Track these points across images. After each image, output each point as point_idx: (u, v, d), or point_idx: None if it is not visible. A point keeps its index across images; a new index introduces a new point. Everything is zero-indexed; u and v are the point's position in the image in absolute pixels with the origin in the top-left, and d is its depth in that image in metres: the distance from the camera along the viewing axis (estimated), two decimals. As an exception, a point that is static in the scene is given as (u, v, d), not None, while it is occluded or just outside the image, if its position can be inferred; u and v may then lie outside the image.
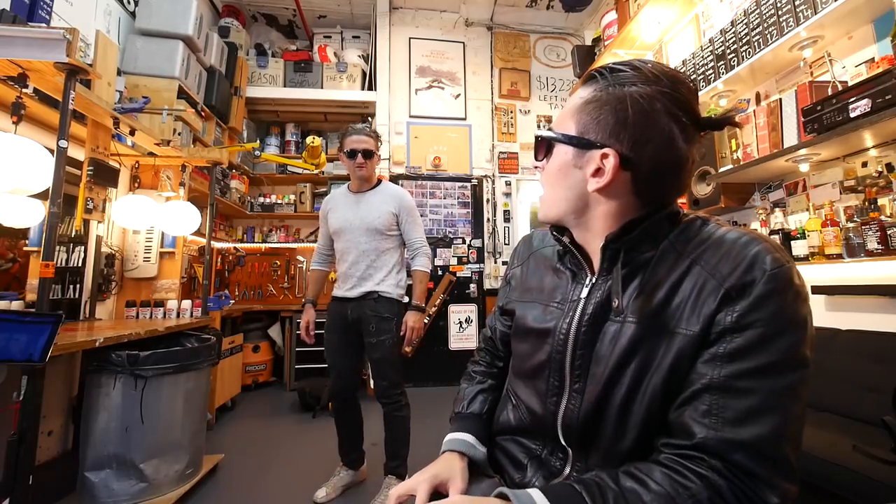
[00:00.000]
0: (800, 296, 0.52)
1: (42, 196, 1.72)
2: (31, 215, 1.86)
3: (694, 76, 2.72)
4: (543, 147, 0.67)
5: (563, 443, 0.65)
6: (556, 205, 0.66)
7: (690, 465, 0.50)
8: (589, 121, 0.60)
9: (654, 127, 0.56)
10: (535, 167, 0.70)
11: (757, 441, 0.48)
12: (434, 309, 4.20)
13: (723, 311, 0.52)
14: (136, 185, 2.61)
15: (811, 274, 2.21)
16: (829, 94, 1.82)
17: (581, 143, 0.60)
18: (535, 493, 0.52)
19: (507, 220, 4.47)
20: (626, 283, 0.60)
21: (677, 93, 0.57)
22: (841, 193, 2.07)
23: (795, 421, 0.50)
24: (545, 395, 0.66)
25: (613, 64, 0.61)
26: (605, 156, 0.58)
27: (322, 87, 4.32)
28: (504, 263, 4.37)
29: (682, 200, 2.97)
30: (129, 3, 2.99)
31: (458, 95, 4.62)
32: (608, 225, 0.62)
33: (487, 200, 4.46)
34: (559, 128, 0.64)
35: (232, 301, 3.61)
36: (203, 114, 3.35)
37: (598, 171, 0.59)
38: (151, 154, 2.58)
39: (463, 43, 4.71)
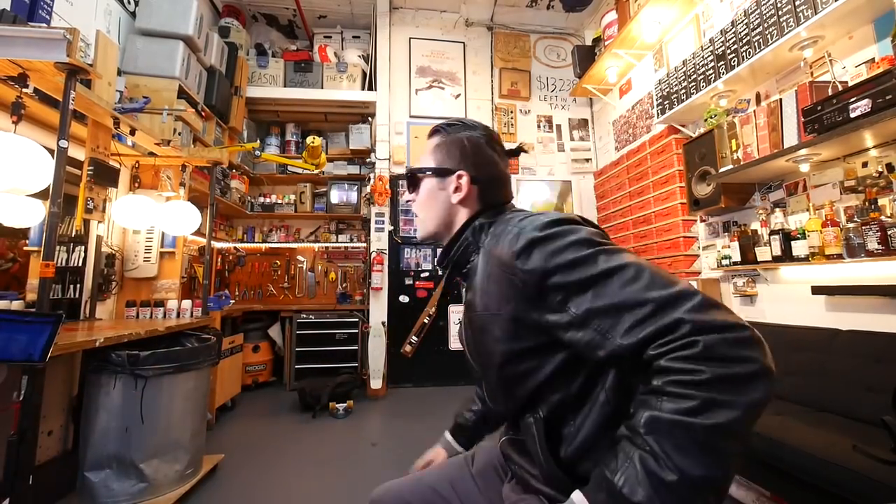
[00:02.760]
0: (546, 238, 0.64)
1: (42, 196, 1.72)
2: (31, 215, 1.86)
3: (694, 76, 2.72)
4: (413, 184, 0.88)
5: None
6: (431, 221, 0.85)
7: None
8: (442, 157, 0.84)
9: (484, 155, 0.83)
10: (408, 201, 0.90)
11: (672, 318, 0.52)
12: (434, 309, 4.20)
13: (517, 286, 0.66)
14: (137, 185, 2.61)
15: (811, 274, 2.21)
16: (830, 94, 1.82)
17: (442, 172, 0.83)
18: (576, 494, 0.57)
19: (507, 220, 4.47)
20: (471, 286, 0.77)
21: (490, 133, 0.86)
22: (841, 193, 2.06)
23: (645, 274, 0.56)
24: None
25: (445, 122, 0.88)
26: (460, 176, 0.82)
27: (322, 87, 4.33)
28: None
29: (681, 201, 2.97)
30: (129, 3, 2.99)
31: (459, 95, 4.62)
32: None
33: (487, 200, 4.46)
34: (422, 167, 0.86)
35: (232, 301, 3.61)
36: (203, 114, 3.35)
37: (457, 189, 0.82)
38: (152, 154, 2.58)
39: (463, 43, 4.71)
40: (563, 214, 0.68)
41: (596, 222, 0.74)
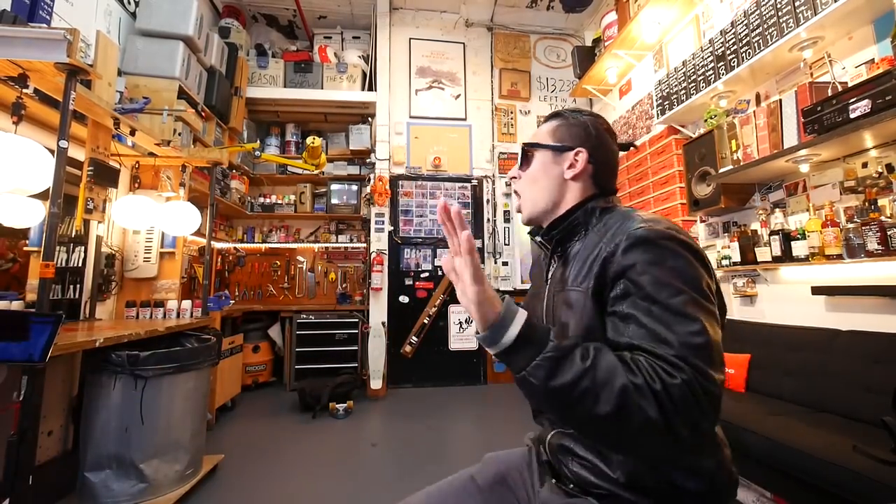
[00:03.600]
0: (657, 244, 0.67)
1: (42, 196, 1.72)
2: (31, 215, 1.86)
3: (694, 77, 2.73)
4: (525, 159, 0.88)
5: None
6: (541, 198, 0.85)
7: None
8: (564, 135, 0.85)
9: (603, 139, 0.85)
10: (513, 178, 0.90)
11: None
12: (434, 309, 4.20)
13: (607, 268, 0.69)
14: (137, 185, 2.61)
15: (811, 274, 2.21)
16: (830, 94, 1.82)
17: (562, 148, 0.84)
18: (521, 312, 0.63)
19: (506, 220, 4.47)
20: (567, 263, 0.81)
21: (608, 125, 0.88)
22: (841, 194, 2.06)
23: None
24: None
25: (567, 108, 0.90)
26: (578, 153, 0.83)
27: (322, 88, 4.33)
28: (504, 264, 4.37)
29: (681, 201, 2.97)
30: (129, 3, 2.99)
31: (459, 96, 4.62)
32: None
33: (487, 201, 4.47)
34: (539, 141, 0.88)
35: (232, 301, 3.61)
36: (203, 114, 3.35)
37: (571, 165, 0.83)
38: (152, 154, 2.58)
39: (463, 43, 4.71)
40: (683, 234, 0.70)
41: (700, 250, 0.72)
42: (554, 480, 0.80)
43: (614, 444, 0.63)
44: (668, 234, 0.68)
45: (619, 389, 0.56)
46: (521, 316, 0.62)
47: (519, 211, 0.90)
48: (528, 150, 0.87)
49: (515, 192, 0.90)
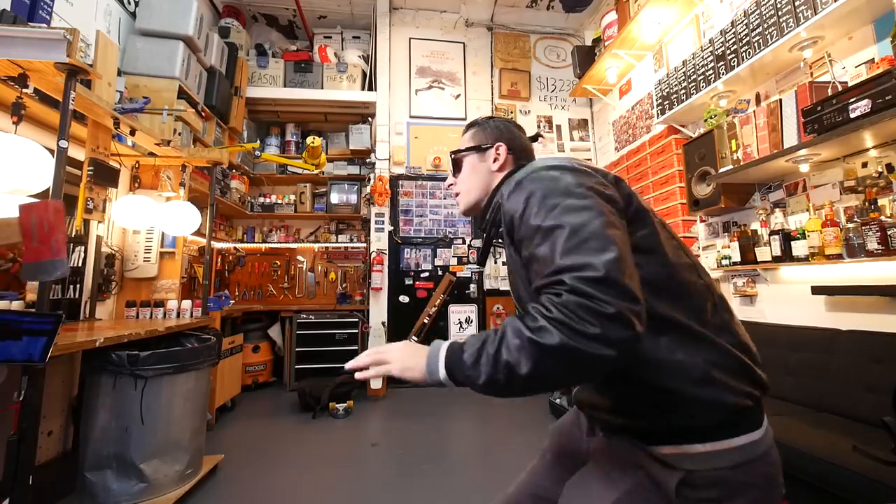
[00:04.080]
0: (527, 180, 0.73)
1: (42, 196, 1.72)
2: (31, 215, 1.86)
3: (694, 76, 2.73)
4: (456, 166, 0.99)
5: None
6: (474, 192, 0.95)
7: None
8: (481, 138, 0.97)
9: (515, 133, 0.97)
10: (450, 185, 1.01)
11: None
12: (434, 309, 4.20)
13: (511, 226, 0.74)
14: (137, 185, 2.62)
15: (811, 274, 2.21)
16: (830, 94, 1.82)
17: (483, 148, 0.96)
18: (441, 350, 0.69)
19: (507, 220, 4.47)
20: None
21: (516, 123, 1.01)
22: (841, 194, 2.06)
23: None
24: None
25: (479, 118, 1.01)
26: (498, 147, 0.94)
27: (322, 88, 4.33)
28: (504, 264, 4.37)
29: (681, 201, 2.98)
30: (129, 3, 2.99)
31: (459, 96, 4.62)
32: None
33: (487, 201, 4.47)
34: (463, 147, 0.99)
35: (232, 301, 3.61)
36: (203, 114, 3.35)
37: (496, 159, 0.94)
38: (152, 154, 2.58)
39: (463, 43, 4.71)
40: (557, 160, 0.77)
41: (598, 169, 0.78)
42: (593, 429, 0.88)
43: (561, 383, 0.66)
44: (538, 166, 0.76)
45: (526, 344, 0.59)
46: (442, 353, 0.68)
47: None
48: (457, 157, 0.98)
49: (455, 195, 1.00)
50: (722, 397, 0.67)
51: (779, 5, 2.10)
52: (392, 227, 4.26)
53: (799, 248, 2.09)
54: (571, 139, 4.72)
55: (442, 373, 0.67)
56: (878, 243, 1.75)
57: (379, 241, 4.15)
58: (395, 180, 4.33)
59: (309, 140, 3.49)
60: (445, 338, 4.31)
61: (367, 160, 4.53)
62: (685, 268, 0.74)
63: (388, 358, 0.73)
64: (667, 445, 0.69)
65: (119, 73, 2.69)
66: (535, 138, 1.02)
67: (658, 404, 0.69)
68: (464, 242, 4.36)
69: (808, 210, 2.18)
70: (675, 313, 0.69)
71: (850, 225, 1.90)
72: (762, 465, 0.69)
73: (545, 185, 0.70)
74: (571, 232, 0.62)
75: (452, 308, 4.26)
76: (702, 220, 3.00)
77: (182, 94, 2.97)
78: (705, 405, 0.67)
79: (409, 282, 4.26)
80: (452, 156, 0.99)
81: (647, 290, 0.63)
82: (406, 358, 0.72)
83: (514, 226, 0.73)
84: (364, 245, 4.51)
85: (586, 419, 0.91)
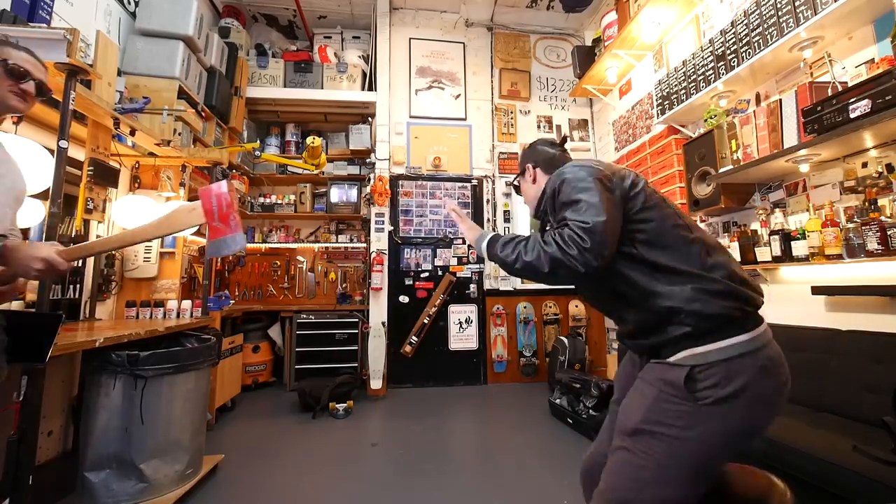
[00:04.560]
0: (558, 180, 1.05)
1: (42, 196, 1.72)
2: (31, 215, 1.86)
3: (694, 76, 2.73)
4: (517, 189, 1.37)
5: None
6: (529, 200, 1.31)
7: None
8: (520, 164, 1.34)
9: (539, 149, 1.31)
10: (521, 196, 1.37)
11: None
12: (434, 309, 4.21)
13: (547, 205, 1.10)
14: (137, 185, 2.62)
15: (811, 274, 2.21)
16: (830, 94, 1.82)
17: (522, 172, 1.33)
18: (489, 232, 1.16)
19: (507, 220, 4.47)
20: None
21: (545, 140, 1.35)
22: (841, 194, 2.07)
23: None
24: None
25: (522, 149, 1.43)
26: (527, 168, 1.30)
27: (322, 88, 4.33)
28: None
29: (681, 201, 2.98)
30: (129, 3, 3.00)
31: (459, 96, 4.62)
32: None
33: (487, 201, 4.47)
34: (515, 177, 1.38)
35: (232, 301, 3.61)
36: (203, 114, 3.35)
37: (532, 176, 1.29)
38: (152, 154, 2.58)
39: (463, 43, 4.71)
40: (579, 162, 1.08)
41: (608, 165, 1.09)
42: (640, 357, 1.10)
43: (543, 275, 0.97)
44: (569, 166, 1.07)
45: (536, 247, 0.98)
46: (487, 234, 1.15)
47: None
48: (515, 183, 1.39)
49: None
50: (707, 310, 0.91)
51: (779, 5, 2.10)
52: (392, 227, 4.26)
53: (799, 248, 2.09)
54: (571, 139, 4.72)
55: (483, 246, 1.12)
56: (878, 243, 1.75)
57: (379, 241, 4.15)
58: (395, 180, 4.33)
59: (309, 140, 3.49)
60: (445, 338, 4.30)
61: (367, 160, 4.53)
62: (681, 227, 1.00)
63: (463, 223, 1.27)
64: (674, 355, 0.93)
65: (119, 73, 2.69)
66: (563, 141, 1.33)
67: (662, 322, 0.94)
68: (463, 242, 4.36)
69: (808, 210, 2.18)
70: (668, 261, 0.96)
71: (850, 225, 1.90)
72: (752, 358, 0.91)
73: (571, 177, 1.02)
74: (581, 203, 0.96)
75: (452, 308, 4.26)
76: (702, 220, 3.00)
77: (182, 94, 2.97)
78: (695, 317, 0.91)
79: (409, 282, 4.26)
80: (514, 182, 1.40)
81: (647, 245, 0.97)
82: (471, 228, 1.24)
83: (553, 200, 1.05)
84: (364, 245, 4.51)
85: (634, 353, 1.15)
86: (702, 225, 3.02)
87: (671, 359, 0.93)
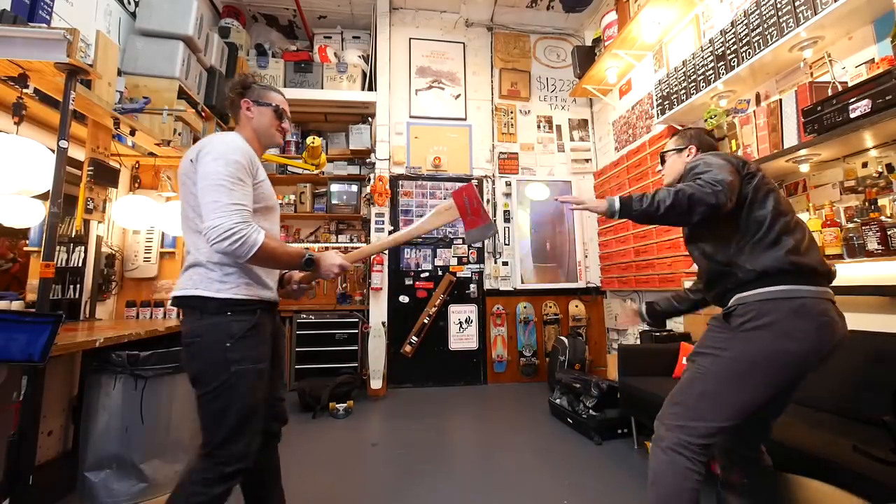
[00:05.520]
0: (696, 160, 1.38)
1: (42, 196, 1.72)
2: (31, 215, 1.86)
3: (694, 76, 2.73)
4: (662, 160, 1.62)
5: None
6: (671, 176, 1.56)
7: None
8: (681, 142, 1.56)
9: (705, 138, 1.55)
10: (659, 170, 1.88)
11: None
12: (434, 309, 4.21)
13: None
14: (137, 185, 2.62)
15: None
16: (830, 94, 1.82)
17: (680, 149, 1.55)
18: (615, 198, 1.32)
19: (507, 220, 4.47)
20: None
21: (705, 130, 1.89)
22: (841, 194, 2.06)
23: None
24: None
25: (682, 128, 2.03)
26: (691, 149, 1.52)
27: (322, 88, 4.33)
28: (504, 264, 4.37)
29: (620, 193, 2.98)
30: (129, 3, 3.00)
31: (459, 96, 4.62)
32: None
33: (488, 201, 4.47)
34: (669, 148, 1.60)
35: (232, 301, 3.60)
36: (203, 114, 3.35)
37: (689, 154, 1.51)
38: (152, 154, 2.58)
39: (463, 43, 4.72)
40: (716, 154, 1.40)
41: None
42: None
43: (681, 211, 1.21)
44: (704, 154, 1.41)
45: (672, 193, 1.22)
46: (614, 199, 1.30)
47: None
48: (664, 154, 1.60)
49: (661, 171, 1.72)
50: (756, 266, 1.21)
51: (779, 5, 2.10)
52: (392, 227, 4.26)
53: (799, 248, 2.09)
54: (571, 139, 4.73)
55: (617, 207, 1.28)
56: (878, 243, 1.75)
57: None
58: (395, 180, 4.33)
59: (309, 140, 3.49)
60: (445, 338, 4.30)
61: (367, 160, 4.53)
62: (778, 210, 1.27)
63: (587, 202, 1.35)
64: (729, 302, 1.27)
65: (119, 73, 2.69)
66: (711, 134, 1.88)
67: (723, 275, 1.29)
68: (463, 243, 4.36)
69: (808, 210, 2.18)
70: (738, 233, 1.28)
71: (851, 225, 1.90)
72: (786, 303, 1.17)
73: (707, 160, 1.32)
74: (714, 170, 1.27)
75: (452, 308, 4.26)
76: (702, 220, 3.00)
77: (182, 94, 2.97)
78: (745, 272, 1.23)
79: (409, 282, 4.26)
80: (662, 154, 1.61)
81: (749, 208, 1.28)
82: (596, 201, 1.33)
83: (690, 172, 1.32)
84: (364, 245, 4.51)
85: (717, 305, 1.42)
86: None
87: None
